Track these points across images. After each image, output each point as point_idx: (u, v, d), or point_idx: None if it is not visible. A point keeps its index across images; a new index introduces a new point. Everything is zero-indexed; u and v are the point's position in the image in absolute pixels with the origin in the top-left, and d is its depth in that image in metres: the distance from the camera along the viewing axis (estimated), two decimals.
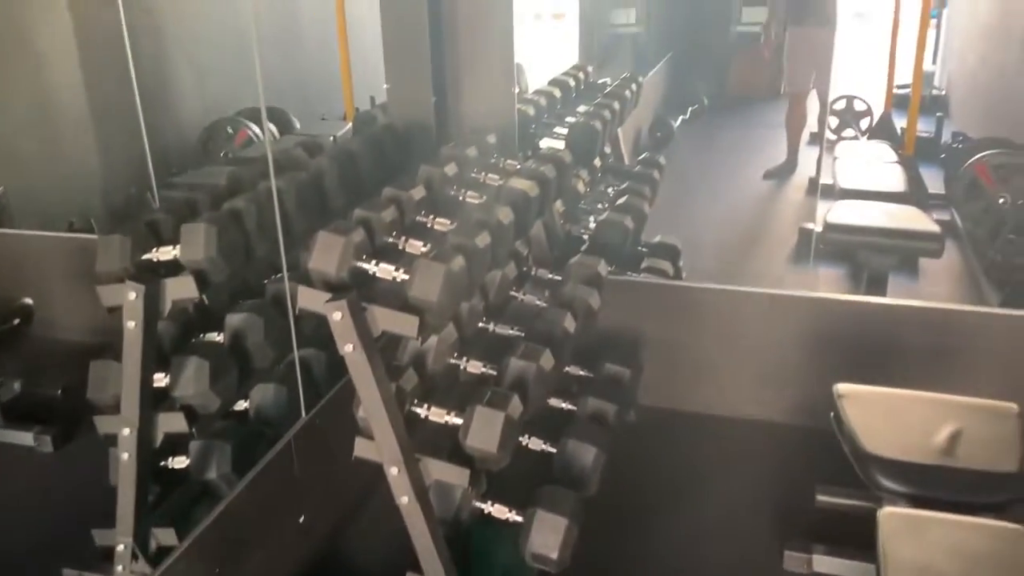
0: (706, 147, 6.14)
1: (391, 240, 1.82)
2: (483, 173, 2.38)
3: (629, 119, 4.06)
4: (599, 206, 3.38)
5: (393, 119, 2.73)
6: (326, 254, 1.62)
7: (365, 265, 1.65)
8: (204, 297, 1.87)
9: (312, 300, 1.61)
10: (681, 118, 6.41)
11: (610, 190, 3.51)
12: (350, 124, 4.14)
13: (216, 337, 2.01)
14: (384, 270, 1.65)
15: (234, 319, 1.97)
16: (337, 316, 1.55)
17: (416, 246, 1.80)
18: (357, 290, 1.61)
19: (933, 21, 6.71)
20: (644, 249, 3.31)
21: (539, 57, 5.30)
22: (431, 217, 2.03)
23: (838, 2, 5.03)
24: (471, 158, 2.38)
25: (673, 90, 6.73)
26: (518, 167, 2.47)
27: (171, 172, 3.47)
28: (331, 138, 3.91)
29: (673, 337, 2.82)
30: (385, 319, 1.59)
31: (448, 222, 2.02)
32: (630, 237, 3.05)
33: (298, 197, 2.07)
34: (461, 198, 2.23)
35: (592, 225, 3.16)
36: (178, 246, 1.75)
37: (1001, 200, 3.82)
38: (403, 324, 1.58)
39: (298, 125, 4.14)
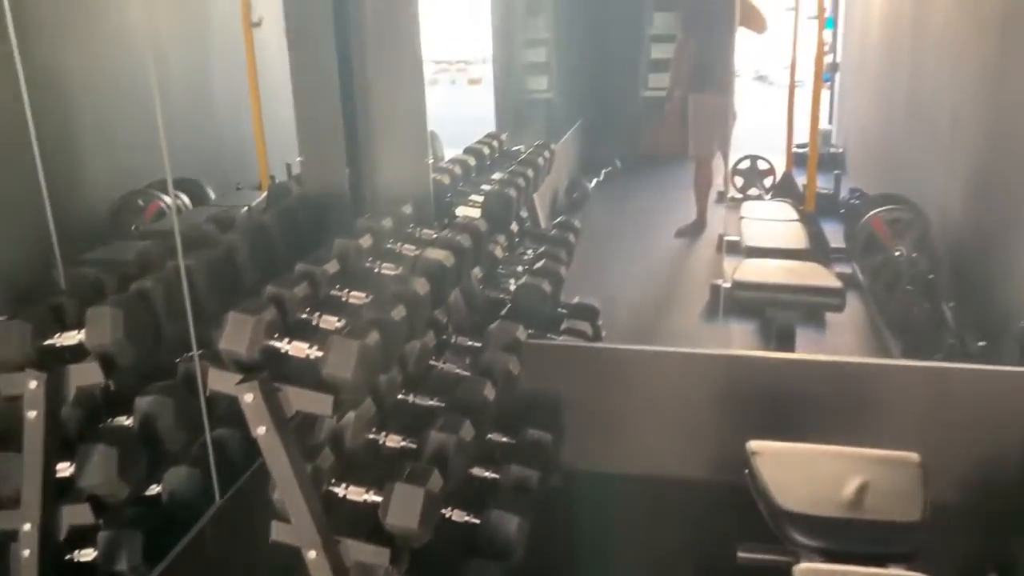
0: (620, 207, 6.32)
1: (304, 316, 1.80)
2: (399, 244, 2.39)
3: (545, 182, 4.15)
4: (518, 269, 3.42)
5: (307, 190, 2.73)
6: (237, 334, 1.60)
7: (277, 344, 1.64)
8: (111, 382, 1.81)
9: (223, 382, 1.58)
10: (596, 180, 6.60)
11: (528, 253, 3.57)
12: (265, 194, 4.12)
13: (125, 421, 1.95)
14: (297, 348, 1.64)
15: (143, 402, 1.90)
16: (249, 398, 1.53)
17: (330, 322, 1.80)
18: (270, 369, 1.60)
19: (828, 83, 7.14)
20: (564, 311, 3.36)
21: (457, 121, 5.41)
22: (346, 291, 2.02)
23: (734, 70, 5.30)
24: (386, 229, 2.39)
25: (588, 152, 6.94)
26: (434, 236, 2.49)
27: (80, 249, 3.37)
28: (245, 208, 3.88)
29: (594, 398, 2.85)
30: (299, 399, 1.57)
31: (363, 295, 2.01)
32: (548, 300, 3.10)
33: (209, 275, 2.04)
34: (377, 270, 2.23)
35: (512, 288, 3.19)
36: (83, 330, 1.70)
37: (897, 253, 4.04)
38: (317, 403, 1.57)
39: (213, 195, 4.09)
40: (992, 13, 3.60)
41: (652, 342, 2.92)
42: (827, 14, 6.91)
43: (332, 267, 2.01)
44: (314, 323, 1.81)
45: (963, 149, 3.86)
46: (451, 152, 3.84)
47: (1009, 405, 2.55)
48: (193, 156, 3.86)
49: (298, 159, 2.80)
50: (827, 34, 7.22)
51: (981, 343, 3.28)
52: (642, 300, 4.49)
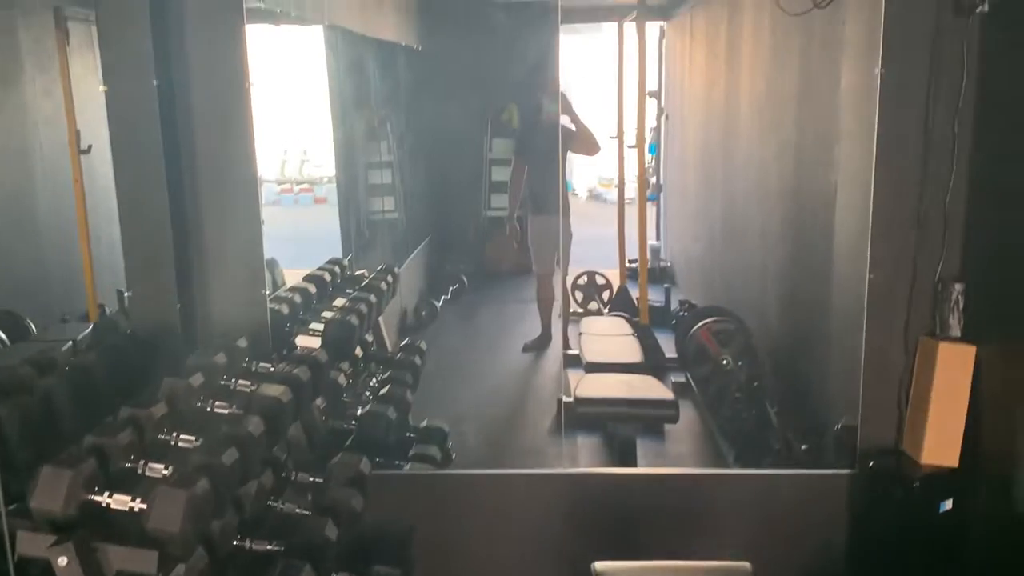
0: (468, 324, 6.42)
1: (129, 465, 1.71)
2: (233, 380, 2.33)
3: (394, 302, 4.18)
4: (365, 395, 3.39)
5: (136, 327, 2.63)
6: (50, 491, 1.50)
7: (97, 498, 1.54)
8: None
9: (34, 544, 1.47)
10: (444, 297, 6.69)
11: (374, 379, 3.54)
12: (92, 325, 3.91)
13: None
14: (119, 501, 1.55)
15: None
16: (63, 562, 1.42)
17: (156, 470, 1.71)
18: (88, 527, 1.49)
19: (654, 202, 7.68)
20: (412, 435, 3.34)
21: (302, 241, 5.38)
22: (175, 435, 1.93)
23: (566, 191, 5.61)
24: (220, 365, 2.33)
25: (435, 271, 7.05)
26: (271, 370, 2.45)
27: None
28: (70, 343, 3.66)
29: (443, 526, 2.81)
30: (120, 558, 1.48)
31: (194, 439, 1.93)
32: (395, 427, 3.07)
33: (22, 424, 1.90)
34: (209, 409, 2.15)
35: (358, 416, 3.15)
36: None
37: (724, 362, 4.30)
38: (141, 561, 1.48)
39: (34, 329, 3.84)
40: (787, 141, 4.04)
41: (502, 461, 2.94)
42: (650, 140, 7.52)
43: (160, 410, 1.93)
44: (139, 472, 1.72)
45: (772, 263, 4.23)
46: (294, 274, 3.82)
47: (830, 506, 2.73)
48: (13, 286, 3.64)
49: (126, 293, 2.70)
50: (651, 158, 7.83)
51: (804, 446, 3.51)
52: (491, 418, 4.52)
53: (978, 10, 2.51)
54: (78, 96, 3.65)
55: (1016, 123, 2.45)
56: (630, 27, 5.94)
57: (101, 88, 2.61)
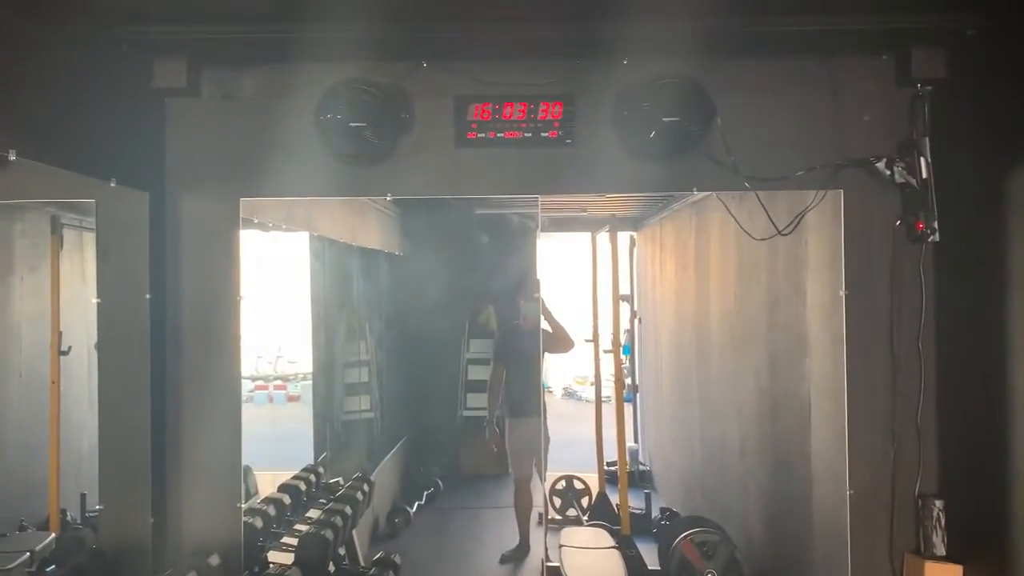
0: (443, 531, 6.20)
1: None
2: None
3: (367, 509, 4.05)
4: None
5: (103, 544, 2.54)
6: None
7: None
8: None
9: None
10: (417, 503, 6.51)
11: None
12: (53, 535, 3.74)
13: None
14: None
15: None
16: None
17: None
18: None
19: (630, 402, 7.70)
20: None
21: (275, 440, 5.28)
22: None
23: (543, 393, 5.64)
24: None
25: (409, 473, 6.91)
26: None
27: None
28: (27, 554, 3.48)
29: None
30: None
31: None
32: None
33: None
34: None
35: None
36: None
37: (709, 575, 4.15)
38: None
39: None
40: (760, 354, 4.14)
41: None
42: (624, 341, 7.67)
43: None
44: None
45: (752, 477, 4.20)
46: (267, 476, 3.73)
47: None
48: None
49: (98, 507, 2.63)
50: (626, 359, 7.93)
51: None
52: None
53: (930, 239, 2.70)
54: (63, 297, 3.71)
55: (974, 343, 2.56)
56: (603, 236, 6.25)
57: (94, 300, 2.69)
